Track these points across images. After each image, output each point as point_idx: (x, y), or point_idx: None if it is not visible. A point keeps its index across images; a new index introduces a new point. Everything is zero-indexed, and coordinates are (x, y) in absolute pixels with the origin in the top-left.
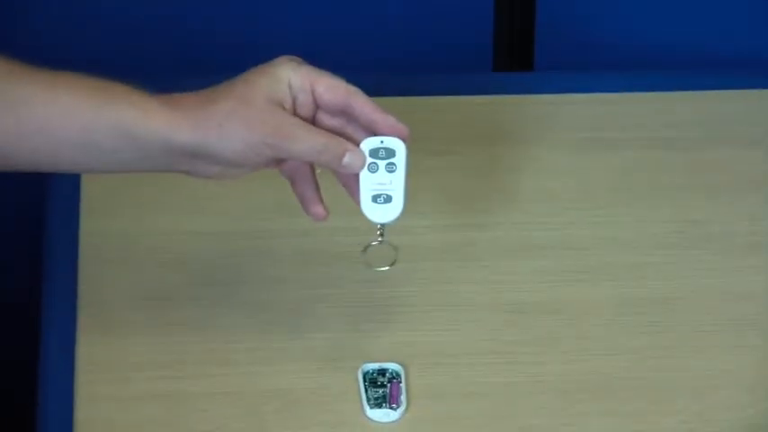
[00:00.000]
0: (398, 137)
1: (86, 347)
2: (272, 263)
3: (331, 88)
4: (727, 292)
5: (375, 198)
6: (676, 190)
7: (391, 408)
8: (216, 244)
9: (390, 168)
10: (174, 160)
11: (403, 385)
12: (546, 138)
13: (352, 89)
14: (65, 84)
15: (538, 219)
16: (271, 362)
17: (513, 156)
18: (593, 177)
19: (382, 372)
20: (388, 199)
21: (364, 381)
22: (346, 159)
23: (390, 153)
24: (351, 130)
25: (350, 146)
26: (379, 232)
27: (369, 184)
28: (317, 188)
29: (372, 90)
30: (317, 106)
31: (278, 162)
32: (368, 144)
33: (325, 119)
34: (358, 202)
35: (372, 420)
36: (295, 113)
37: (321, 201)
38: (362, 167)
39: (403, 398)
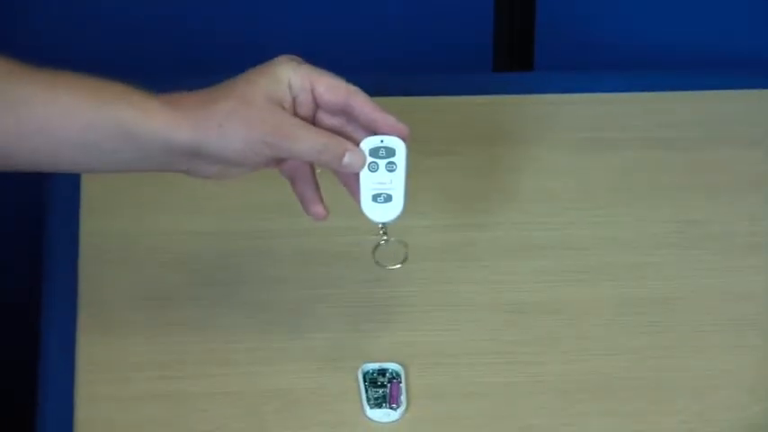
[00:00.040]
0: (398, 136)
1: (86, 347)
2: (272, 263)
3: (331, 88)
4: (727, 292)
5: (375, 197)
6: (676, 190)
7: (391, 408)
8: (216, 244)
9: (390, 168)
10: (173, 160)
11: (403, 385)
12: (546, 138)
13: (352, 89)
14: (65, 84)
15: (538, 219)
16: (271, 362)
17: (513, 156)
18: (593, 177)
19: (382, 372)
20: (389, 198)
21: (364, 381)
22: (346, 159)
23: (390, 152)
24: (351, 129)
25: (350, 145)
26: (381, 231)
27: (369, 183)
28: (317, 188)
29: (372, 90)
30: (316, 106)
31: (278, 162)
32: (368, 143)
33: (325, 118)
34: (358, 202)
35: (372, 420)
36: (295, 113)
37: (321, 200)
38: (363, 167)
39: (403, 398)
